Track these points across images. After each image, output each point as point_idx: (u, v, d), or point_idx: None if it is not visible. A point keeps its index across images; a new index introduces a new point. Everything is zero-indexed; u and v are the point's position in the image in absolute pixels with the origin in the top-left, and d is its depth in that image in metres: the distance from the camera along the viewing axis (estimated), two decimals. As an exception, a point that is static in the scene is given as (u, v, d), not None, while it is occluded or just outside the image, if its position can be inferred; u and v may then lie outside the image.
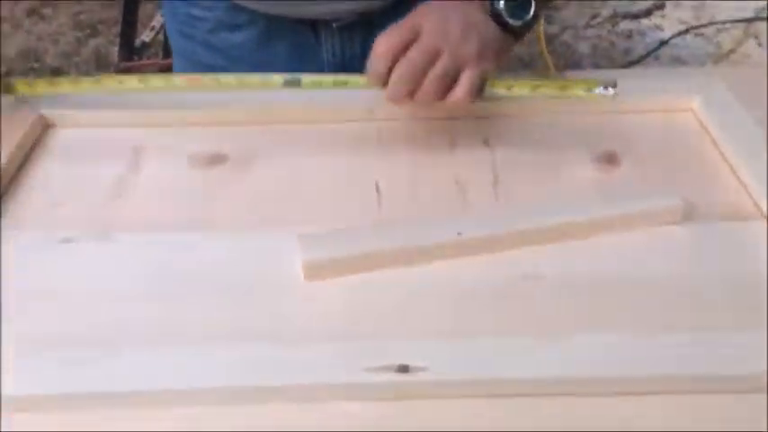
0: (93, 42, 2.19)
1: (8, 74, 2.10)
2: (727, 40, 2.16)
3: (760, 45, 2.16)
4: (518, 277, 0.51)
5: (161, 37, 1.79)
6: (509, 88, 0.61)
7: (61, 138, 0.67)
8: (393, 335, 0.47)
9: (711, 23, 2.20)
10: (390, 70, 0.57)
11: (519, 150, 0.64)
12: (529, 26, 0.63)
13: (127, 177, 0.62)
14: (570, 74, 0.63)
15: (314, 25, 0.76)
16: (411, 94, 0.58)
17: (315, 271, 0.51)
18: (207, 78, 0.62)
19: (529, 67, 2.15)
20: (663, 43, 2.14)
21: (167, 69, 1.87)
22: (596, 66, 2.14)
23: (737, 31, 2.19)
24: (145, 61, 1.68)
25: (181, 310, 0.49)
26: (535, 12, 0.62)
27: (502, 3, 0.61)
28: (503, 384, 0.43)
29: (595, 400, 0.43)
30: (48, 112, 0.67)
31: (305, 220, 0.56)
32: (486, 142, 0.65)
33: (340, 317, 0.49)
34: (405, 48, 0.57)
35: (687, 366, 0.44)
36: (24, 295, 0.50)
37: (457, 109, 0.64)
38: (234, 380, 0.44)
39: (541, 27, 0.72)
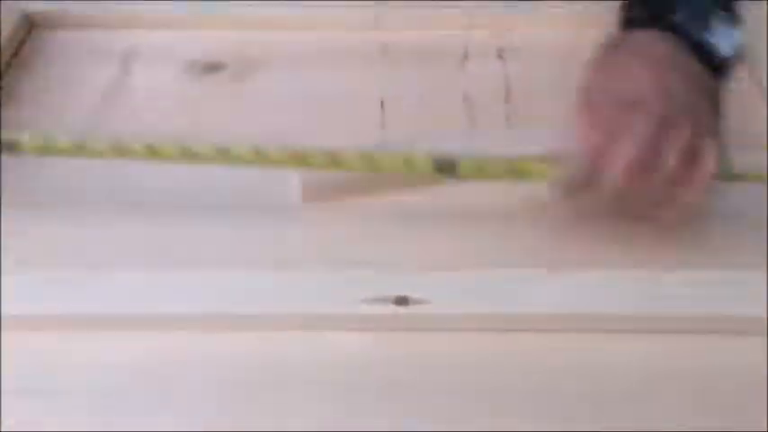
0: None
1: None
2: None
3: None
4: (525, 206, 0.49)
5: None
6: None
7: (46, 39, 0.63)
8: (393, 263, 0.44)
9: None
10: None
11: (531, 63, 0.60)
12: (739, 54, 0.47)
13: (116, 84, 0.58)
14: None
15: None
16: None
17: (313, 192, 0.49)
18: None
19: None
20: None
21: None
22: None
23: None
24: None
25: (170, 231, 0.47)
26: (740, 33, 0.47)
27: (712, 31, 0.45)
28: (500, 319, 0.41)
29: (598, 336, 0.41)
30: (33, 9, 0.63)
31: (304, 136, 0.52)
32: (500, 55, 0.61)
33: (338, 242, 0.46)
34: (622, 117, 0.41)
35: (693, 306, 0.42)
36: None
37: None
38: (226, 306, 0.42)
39: None
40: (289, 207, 0.49)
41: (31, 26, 0.63)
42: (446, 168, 0.43)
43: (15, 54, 0.61)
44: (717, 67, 0.46)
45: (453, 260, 0.45)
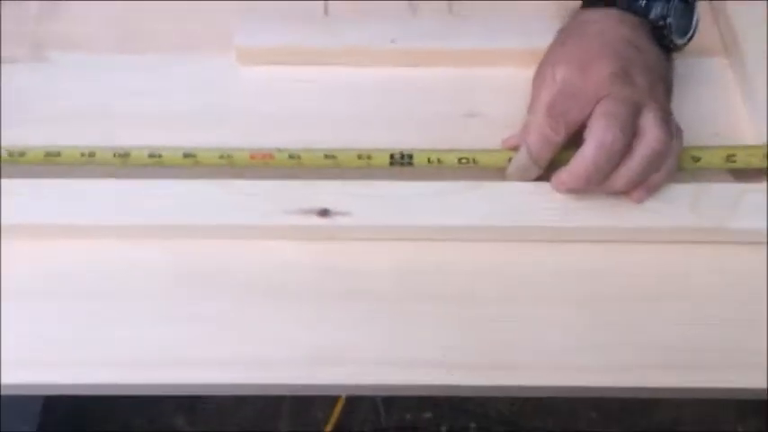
0: None
1: None
2: None
3: None
4: (458, 114, 0.51)
5: None
6: (696, 161, 0.46)
7: None
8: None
9: None
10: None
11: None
12: (691, 39, 0.49)
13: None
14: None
15: None
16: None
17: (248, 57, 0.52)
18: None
19: None
20: None
21: None
22: None
23: None
24: None
25: (111, 140, 0.49)
26: (696, 24, 0.49)
27: (670, 19, 0.47)
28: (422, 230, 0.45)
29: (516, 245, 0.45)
30: None
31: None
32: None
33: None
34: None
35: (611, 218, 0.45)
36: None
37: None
38: (163, 216, 0.45)
39: None
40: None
41: None
42: (402, 162, 0.46)
43: None
44: (671, 49, 0.48)
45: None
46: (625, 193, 0.44)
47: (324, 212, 0.44)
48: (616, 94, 0.43)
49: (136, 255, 0.45)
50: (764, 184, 0.46)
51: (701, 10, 0.50)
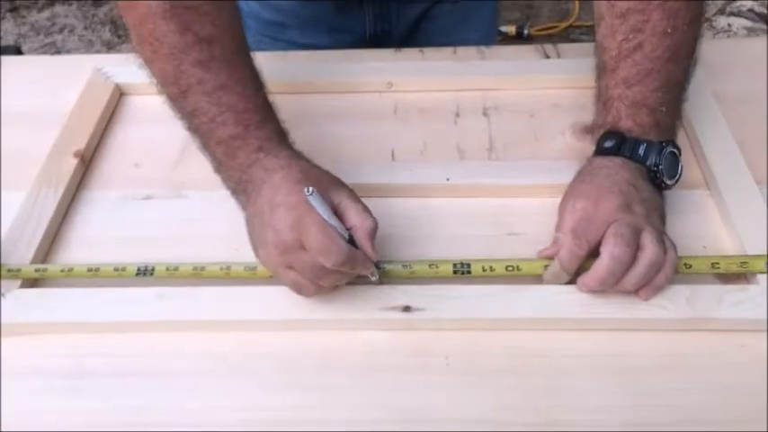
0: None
1: (52, 2, 2.21)
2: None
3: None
4: (502, 233, 0.66)
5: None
6: (688, 267, 0.60)
7: (135, 104, 0.81)
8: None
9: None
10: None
11: (511, 119, 0.77)
12: (678, 181, 0.63)
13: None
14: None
15: None
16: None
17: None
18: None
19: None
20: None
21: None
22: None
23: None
24: None
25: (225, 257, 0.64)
26: (681, 169, 0.63)
27: (662, 166, 0.61)
28: (479, 322, 0.58)
29: (541, 333, 0.58)
30: (121, 81, 0.81)
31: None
32: (484, 112, 0.78)
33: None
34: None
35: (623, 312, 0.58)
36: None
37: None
38: (285, 314, 0.59)
39: None
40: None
41: (121, 94, 0.81)
42: (462, 270, 0.60)
43: (110, 117, 0.79)
44: (663, 187, 0.62)
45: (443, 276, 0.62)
46: (634, 292, 0.58)
47: (406, 309, 0.58)
48: (621, 219, 0.57)
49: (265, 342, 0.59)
50: (743, 285, 0.59)
51: (685, 153, 0.66)
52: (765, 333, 0.57)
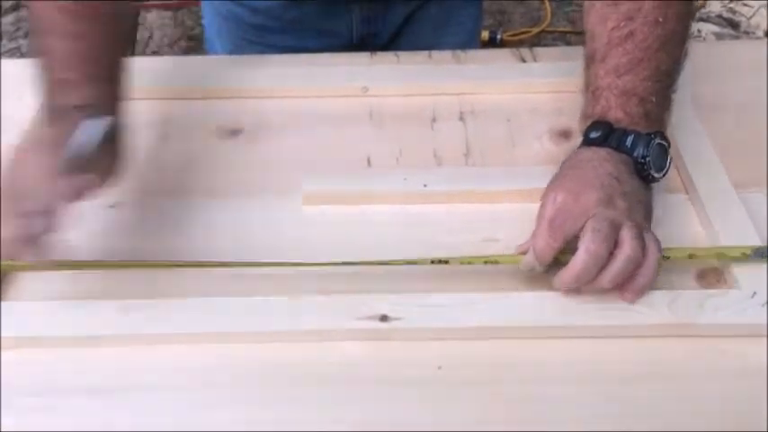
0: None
1: (16, 7, 2.17)
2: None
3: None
4: (479, 240, 0.64)
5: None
6: (666, 258, 0.58)
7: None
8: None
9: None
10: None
11: (488, 124, 0.76)
12: (666, 174, 0.62)
13: (157, 148, 0.74)
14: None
15: None
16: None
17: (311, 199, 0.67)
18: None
19: (523, 3, 2.22)
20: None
21: (175, 8, 1.95)
22: None
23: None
24: (152, 2, 1.76)
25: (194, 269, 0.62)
26: (670, 161, 0.61)
27: (649, 158, 0.59)
28: (457, 332, 0.57)
29: (528, 342, 0.57)
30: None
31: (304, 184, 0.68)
32: (461, 117, 0.77)
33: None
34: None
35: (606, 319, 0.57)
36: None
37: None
38: (261, 325, 0.57)
39: None
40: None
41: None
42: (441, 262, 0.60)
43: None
44: (650, 180, 0.61)
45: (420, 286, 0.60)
46: (618, 292, 0.57)
47: (383, 318, 0.57)
48: (600, 214, 0.56)
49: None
50: (723, 289, 0.59)
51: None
52: (748, 338, 0.56)
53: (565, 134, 0.74)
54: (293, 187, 0.68)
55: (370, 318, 0.57)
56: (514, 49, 0.85)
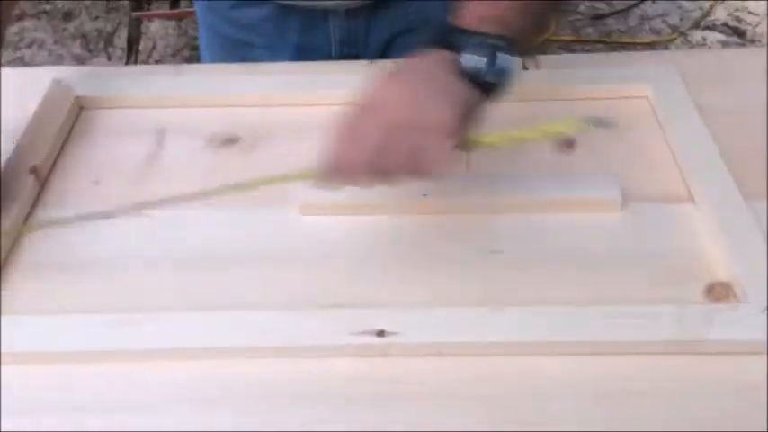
0: (105, -15, 2.25)
1: (20, 16, 2.17)
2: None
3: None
4: (476, 250, 0.62)
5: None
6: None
7: (95, 118, 0.77)
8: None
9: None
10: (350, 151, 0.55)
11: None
12: (510, 81, 0.57)
13: (153, 157, 0.72)
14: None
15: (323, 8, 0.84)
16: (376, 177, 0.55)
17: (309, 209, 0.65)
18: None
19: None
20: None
21: (174, 17, 1.95)
22: (594, 9, 2.18)
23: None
24: (155, 11, 1.75)
25: (204, 279, 0.61)
26: (512, 70, 0.57)
27: (474, 58, 0.56)
28: (456, 346, 0.55)
29: (529, 358, 0.55)
30: (82, 94, 0.77)
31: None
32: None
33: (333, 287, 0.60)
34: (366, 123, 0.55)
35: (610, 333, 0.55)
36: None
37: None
38: (251, 340, 0.55)
39: None
40: (292, 256, 0.62)
41: (81, 108, 0.77)
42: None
43: (69, 132, 0.75)
44: (483, 85, 0.56)
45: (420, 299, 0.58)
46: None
47: (380, 333, 0.55)
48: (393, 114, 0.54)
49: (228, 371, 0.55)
50: (733, 303, 0.57)
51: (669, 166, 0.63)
52: (761, 355, 0.54)
53: (568, 143, 0.72)
54: (291, 197, 0.66)
55: (367, 332, 0.55)
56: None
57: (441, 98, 0.54)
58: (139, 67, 0.95)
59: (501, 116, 0.74)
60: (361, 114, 0.55)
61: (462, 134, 0.55)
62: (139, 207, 0.66)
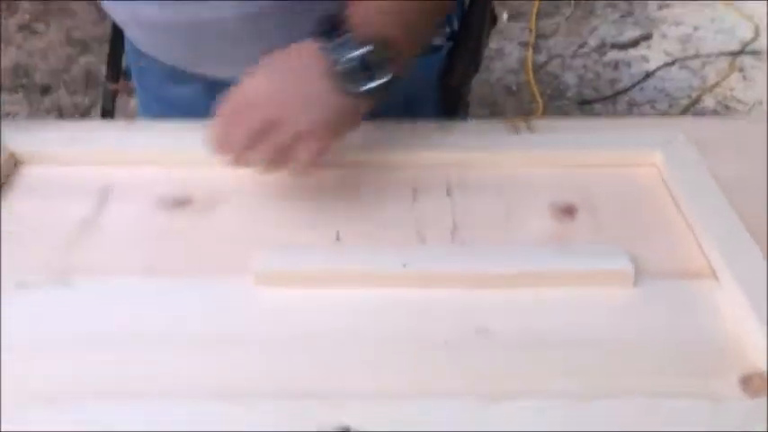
0: (83, 60, 2.21)
1: (-2, 90, 2.11)
2: (712, 74, 2.18)
3: (745, 78, 2.19)
4: (468, 331, 0.52)
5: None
6: None
7: (30, 175, 0.68)
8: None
9: (697, 56, 2.23)
10: (228, 135, 0.57)
11: (479, 199, 0.65)
12: (380, 91, 0.57)
13: (92, 218, 0.63)
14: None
15: None
16: (245, 160, 0.57)
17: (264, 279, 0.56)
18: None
19: (515, 95, 2.18)
20: (648, 75, 2.16)
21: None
22: (581, 95, 2.16)
23: (723, 64, 2.21)
24: (133, 84, 1.69)
25: (133, 363, 0.50)
26: (389, 79, 0.57)
27: (340, 67, 0.56)
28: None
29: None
30: (17, 149, 0.68)
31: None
32: (448, 192, 0.66)
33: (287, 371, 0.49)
34: (243, 113, 0.57)
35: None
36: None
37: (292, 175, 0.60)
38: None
39: (530, 56, 0.71)
40: (249, 338, 0.52)
41: (16, 163, 0.68)
42: None
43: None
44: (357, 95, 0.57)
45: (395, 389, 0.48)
46: None
47: (346, 430, 0.44)
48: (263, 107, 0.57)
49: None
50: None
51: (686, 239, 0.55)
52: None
53: (569, 210, 0.64)
54: (246, 265, 0.57)
55: (330, 430, 0.44)
56: (508, 122, 0.75)
57: (313, 101, 0.56)
58: (87, 123, 0.85)
59: (491, 182, 0.67)
60: (238, 105, 0.57)
61: (331, 139, 0.57)
62: (63, 275, 0.56)
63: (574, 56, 2.26)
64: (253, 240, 0.60)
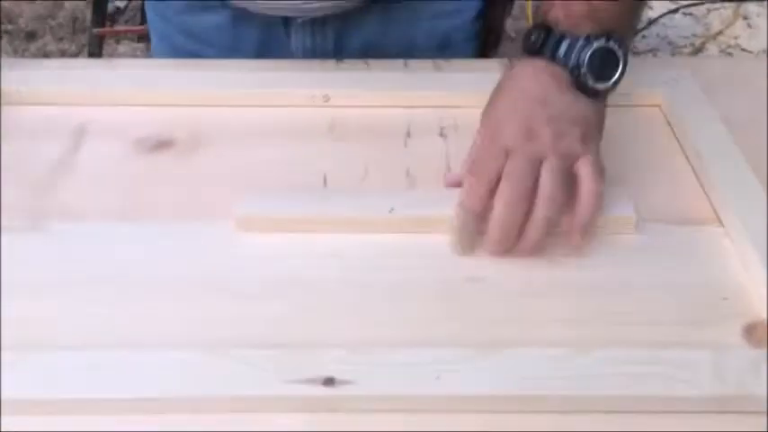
0: (69, 5, 2.14)
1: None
2: (716, 21, 2.13)
3: (750, 26, 2.14)
4: (459, 279, 0.50)
5: (138, 2, 1.76)
6: None
7: (4, 115, 0.64)
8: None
9: (701, 3, 2.17)
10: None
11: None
12: (617, 83, 0.54)
13: (66, 160, 0.60)
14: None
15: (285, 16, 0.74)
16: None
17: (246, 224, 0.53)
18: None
19: (515, 42, 2.12)
20: (651, 22, 2.11)
21: (144, 37, 1.84)
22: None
23: (727, 11, 2.16)
24: (120, 27, 1.65)
25: (110, 310, 0.47)
26: (623, 68, 0.54)
27: (584, 69, 0.52)
28: (424, 401, 0.42)
29: (522, 416, 0.42)
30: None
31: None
32: (441, 133, 0.63)
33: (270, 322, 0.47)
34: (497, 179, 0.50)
35: (627, 387, 0.43)
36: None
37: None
38: (162, 389, 0.42)
39: (529, 3, 0.69)
40: (226, 284, 0.50)
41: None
42: None
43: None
44: (593, 93, 0.54)
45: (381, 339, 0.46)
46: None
47: (328, 381, 0.42)
48: (517, 151, 0.50)
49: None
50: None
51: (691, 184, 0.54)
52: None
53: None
54: (226, 209, 0.54)
55: (312, 381, 0.42)
56: (504, 59, 0.72)
57: (570, 120, 0.52)
58: (71, 61, 0.81)
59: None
60: (492, 154, 0.51)
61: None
62: (37, 219, 0.53)
63: (576, 3, 2.21)
64: (238, 184, 0.57)
